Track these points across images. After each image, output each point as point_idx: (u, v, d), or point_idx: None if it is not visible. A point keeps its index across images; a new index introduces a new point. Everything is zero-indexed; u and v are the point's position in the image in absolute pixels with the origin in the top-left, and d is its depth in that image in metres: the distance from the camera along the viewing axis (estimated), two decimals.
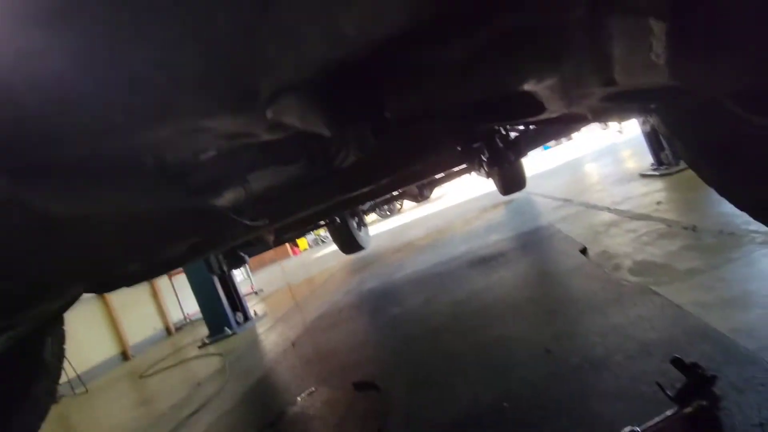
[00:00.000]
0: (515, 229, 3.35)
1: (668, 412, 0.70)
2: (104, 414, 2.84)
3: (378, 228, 10.28)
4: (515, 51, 0.48)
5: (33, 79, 0.29)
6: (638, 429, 0.67)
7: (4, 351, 1.06)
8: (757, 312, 1.00)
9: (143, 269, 0.88)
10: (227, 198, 0.64)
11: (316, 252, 12.69)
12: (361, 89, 0.46)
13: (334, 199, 1.15)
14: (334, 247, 8.53)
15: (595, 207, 2.96)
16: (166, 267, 0.92)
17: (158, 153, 0.49)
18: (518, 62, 0.50)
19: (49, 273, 0.49)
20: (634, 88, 0.57)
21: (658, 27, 0.34)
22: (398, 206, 13.11)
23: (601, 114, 0.78)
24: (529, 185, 5.35)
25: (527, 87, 0.55)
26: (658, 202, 2.36)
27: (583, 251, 2.02)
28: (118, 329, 5.26)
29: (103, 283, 0.85)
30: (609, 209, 2.71)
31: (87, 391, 3.92)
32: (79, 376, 4.04)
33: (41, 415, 1.37)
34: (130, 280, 0.90)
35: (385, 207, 12.13)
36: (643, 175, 3.33)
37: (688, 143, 0.94)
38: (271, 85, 0.35)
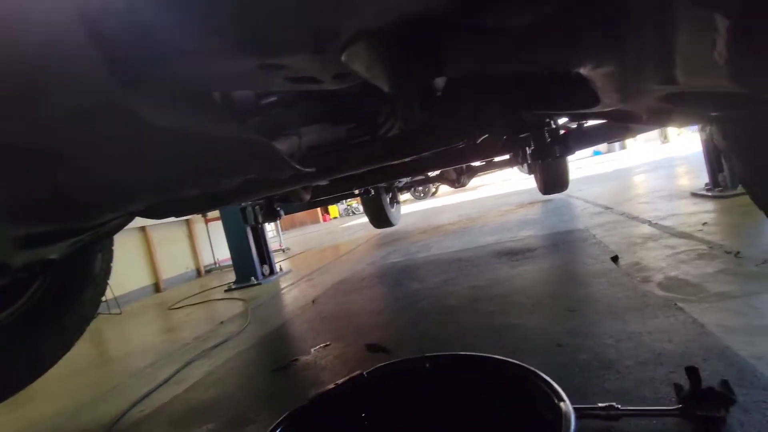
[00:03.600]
0: (548, 228, 3.30)
1: (669, 407, 0.72)
2: (135, 334, 3.09)
3: (410, 208, 10.30)
4: (578, 25, 0.49)
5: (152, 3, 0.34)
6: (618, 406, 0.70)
7: (66, 256, 1.19)
8: None
9: (197, 200, 0.96)
10: (281, 144, 0.69)
11: (346, 222, 12.89)
12: (425, 48, 0.49)
13: (374, 165, 1.19)
14: (363, 219, 8.68)
15: (636, 219, 2.87)
16: (216, 202, 1.00)
17: (227, 89, 0.54)
18: (580, 38, 0.51)
19: (129, 183, 0.55)
20: (695, 90, 0.57)
21: (722, 23, 0.35)
22: (433, 189, 13.07)
23: (658, 115, 0.77)
24: (571, 188, 5.22)
25: (584, 71, 0.56)
26: (704, 223, 2.27)
27: (614, 259, 1.99)
28: (154, 262, 5.61)
29: (161, 208, 0.94)
30: (650, 223, 2.63)
31: (121, 312, 4.24)
32: (115, 298, 4.36)
33: (87, 320, 1.53)
34: (182, 210, 0.99)
35: (420, 188, 12.12)
36: (695, 194, 3.18)
37: (746, 160, 0.91)
38: (350, 29, 0.38)
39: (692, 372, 0.78)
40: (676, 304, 1.32)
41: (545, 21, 0.46)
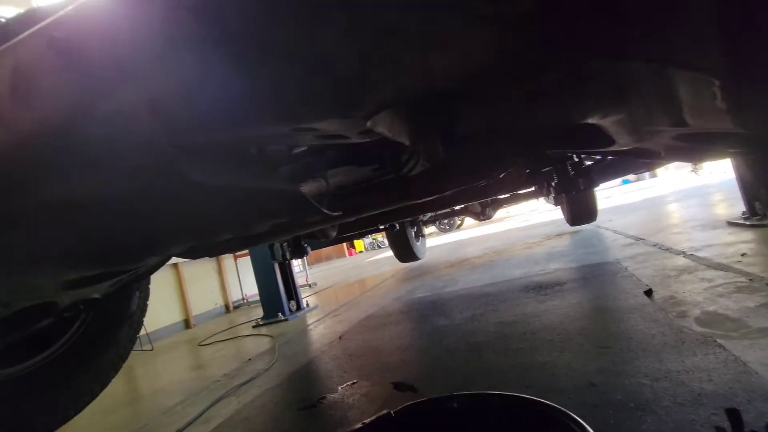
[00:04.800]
0: (577, 260, 3.23)
1: None
2: (166, 371, 3.14)
3: (435, 241, 10.26)
4: (581, 89, 0.52)
5: (208, 83, 0.40)
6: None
7: (106, 295, 1.26)
8: None
9: (230, 241, 1.01)
10: (310, 187, 0.74)
11: (372, 255, 12.91)
12: (441, 111, 0.53)
13: (399, 204, 1.23)
14: (389, 253, 8.72)
15: (669, 250, 2.78)
16: (248, 243, 1.05)
17: (264, 144, 0.60)
18: (583, 99, 0.54)
19: (173, 231, 0.61)
20: (707, 130, 0.59)
21: (716, 82, 0.37)
22: (458, 222, 12.99)
23: (676, 152, 0.78)
24: (600, 218, 5.10)
25: (593, 121, 0.59)
26: (743, 254, 2.17)
27: (648, 293, 1.92)
28: (185, 299, 5.75)
29: (196, 249, 1.00)
30: (685, 254, 2.54)
31: (153, 349, 4.32)
32: (147, 335, 4.47)
33: (123, 357, 1.58)
34: (215, 250, 1.04)
35: (445, 221, 12.08)
36: (731, 223, 3.06)
37: None
38: (373, 101, 0.43)
39: (734, 414, 0.75)
40: (715, 341, 1.26)
41: (545, 89, 0.50)
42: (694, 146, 0.68)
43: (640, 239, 3.47)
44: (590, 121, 0.58)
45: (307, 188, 0.90)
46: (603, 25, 0.40)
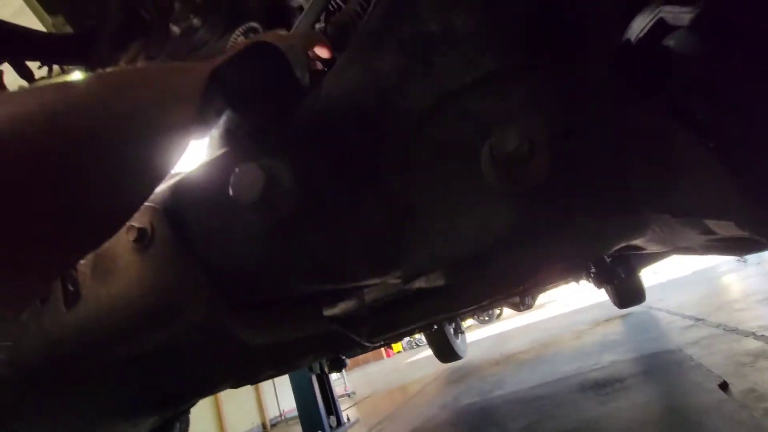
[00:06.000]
0: (634, 349, 2.98)
1: None
2: None
3: (476, 335, 9.78)
4: (600, 233, 0.55)
5: (266, 254, 0.46)
6: None
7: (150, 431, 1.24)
8: None
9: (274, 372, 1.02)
10: (347, 306, 0.77)
11: (410, 356, 12.30)
12: (471, 268, 0.57)
13: (435, 317, 1.22)
14: (428, 351, 8.30)
15: (736, 331, 2.55)
16: (289, 370, 1.05)
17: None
18: (602, 240, 0.57)
19: (217, 376, 0.63)
20: (735, 236, 0.59)
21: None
22: (498, 312, 12.44)
23: (711, 251, 0.78)
24: (650, 297, 4.80)
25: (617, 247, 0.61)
26: None
27: (723, 387, 1.73)
28: (222, 421, 5.52)
29: (240, 382, 1.01)
30: (755, 335, 2.32)
31: None
32: None
33: None
34: (258, 380, 1.05)
35: (484, 313, 11.59)
36: None
37: None
38: (409, 270, 0.48)
39: None
40: None
41: (565, 243, 0.54)
42: (729, 245, 0.68)
43: (700, 320, 3.21)
44: (614, 248, 0.60)
45: (344, 305, 0.93)
46: (610, 188, 0.44)
